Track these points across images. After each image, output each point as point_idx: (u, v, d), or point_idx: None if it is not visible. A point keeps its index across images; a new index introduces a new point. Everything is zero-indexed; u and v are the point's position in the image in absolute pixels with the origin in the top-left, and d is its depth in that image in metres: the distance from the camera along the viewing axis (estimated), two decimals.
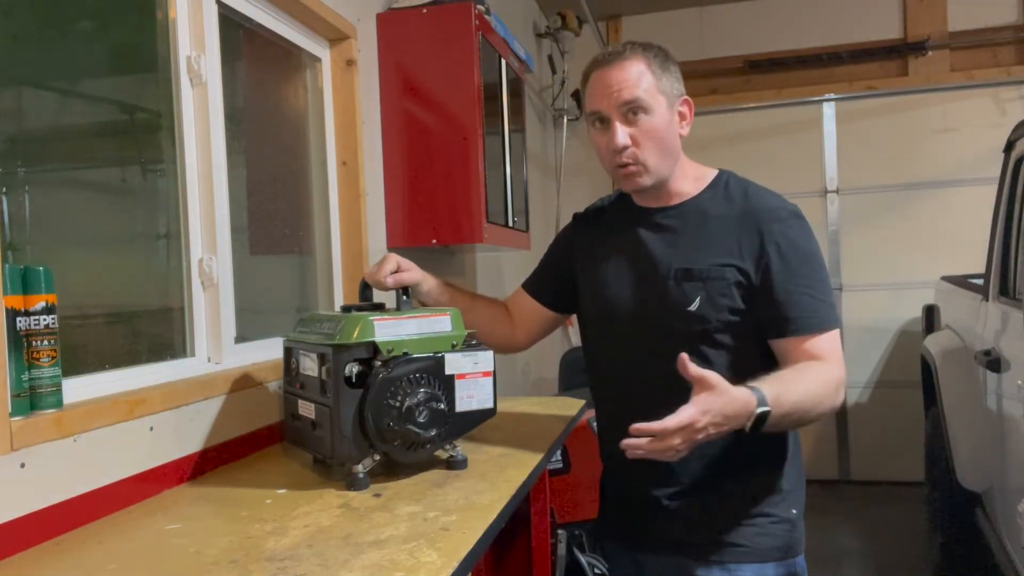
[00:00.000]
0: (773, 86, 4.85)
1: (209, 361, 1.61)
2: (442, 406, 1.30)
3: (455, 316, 1.40)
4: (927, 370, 3.49)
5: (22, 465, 1.07)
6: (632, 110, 1.36)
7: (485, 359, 1.39)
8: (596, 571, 2.39)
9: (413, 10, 2.32)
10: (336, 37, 2.15)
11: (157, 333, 1.59)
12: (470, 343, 1.39)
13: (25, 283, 1.11)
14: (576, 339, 1.69)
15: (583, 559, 2.39)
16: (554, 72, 4.61)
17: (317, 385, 1.34)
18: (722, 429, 1.17)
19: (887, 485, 4.64)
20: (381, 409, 1.26)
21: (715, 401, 1.14)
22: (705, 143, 4.71)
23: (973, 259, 3.82)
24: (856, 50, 4.73)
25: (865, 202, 4.77)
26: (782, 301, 1.34)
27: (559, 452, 2.54)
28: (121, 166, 1.60)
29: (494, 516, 1.12)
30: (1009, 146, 2.94)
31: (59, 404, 1.14)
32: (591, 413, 1.97)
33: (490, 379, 1.40)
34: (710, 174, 1.48)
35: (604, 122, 1.39)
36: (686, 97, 1.43)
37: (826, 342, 1.34)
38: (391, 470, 1.36)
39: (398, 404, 1.26)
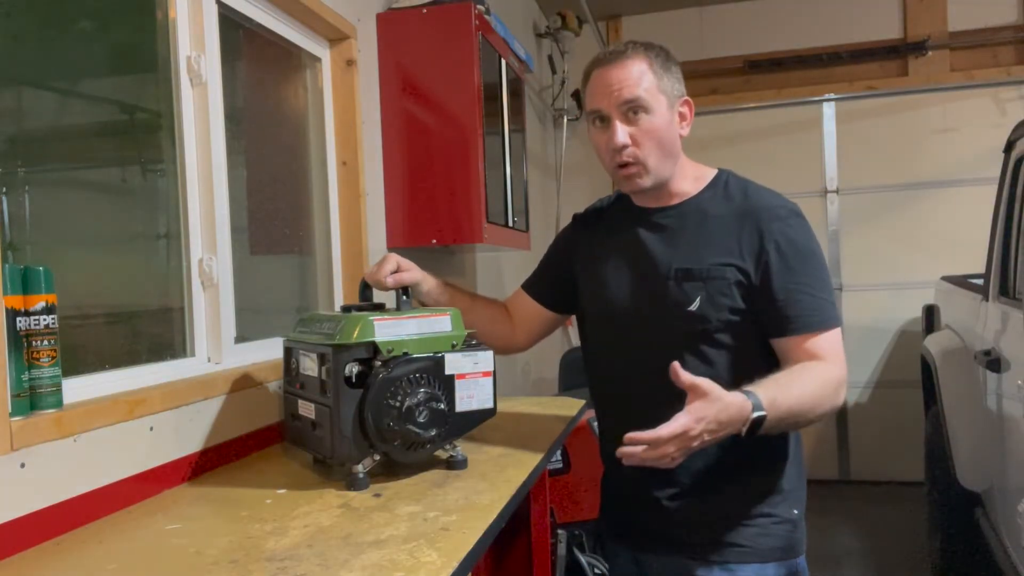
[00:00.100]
0: (773, 86, 4.85)
1: (209, 361, 1.61)
2: (442, 406, 1.30)
3: (455, 316, 1.40)
4: (927, 370, 3.49)
5: (22, 465, 1.07)
6: (632, 109, 1.36)
7: (485, 359, 1.39)
8: (596, 571, 2.39)
9: (413, 10, 2.32)
10: (336, 37, 2.16)
11: (157, 333, 1.59)
12: (470, 343, 1.39)
13: (25, 283, 1.11)
14: (576, 339, 1.69)
15: (583, 559, 2.39)
16: (554, 72, 4.61)
17: (317, 385, 1.34)
18: (717, 435, 1.17)
19: (887, 485, 4.64)
20: (381, 409, 1.26)
21: (709, 408, 1.15)
22: (705, 143, 4.71)
23: (973, 259, 3.82)
24: (856, 50, 4.73)
25: (865, 202, 4.77)
26: (782, 300, 1.34)
27: (559, 452, 2.54)
28: (121, 166, 1.60)
29: (494, 516, 1.12)
30: (1009, 146, 2.94)
31: (59, 404, 1.14)
32: (591, 413, 1.97)
33: (490, 379, 1.40)
34: (709, 174, 1.48)
35: (604, 121, 1.39)
36: (687, 98, 1.43)
37: (827, 341, 1.34)
38: (391, 470, 1.36)
39: (398, 404, 1.26)
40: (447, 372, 1.34)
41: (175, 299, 1.59)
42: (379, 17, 2.32)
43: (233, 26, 1.80)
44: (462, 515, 1.13)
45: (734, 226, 1.39)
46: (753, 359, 1.36)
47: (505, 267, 3.63)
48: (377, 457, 1.31)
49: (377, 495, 1.25)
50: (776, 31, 4.85)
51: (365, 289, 1.51)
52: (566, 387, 3.38)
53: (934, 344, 3.41)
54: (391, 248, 2.33)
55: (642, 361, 1.41)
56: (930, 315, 3.79)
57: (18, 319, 1.09)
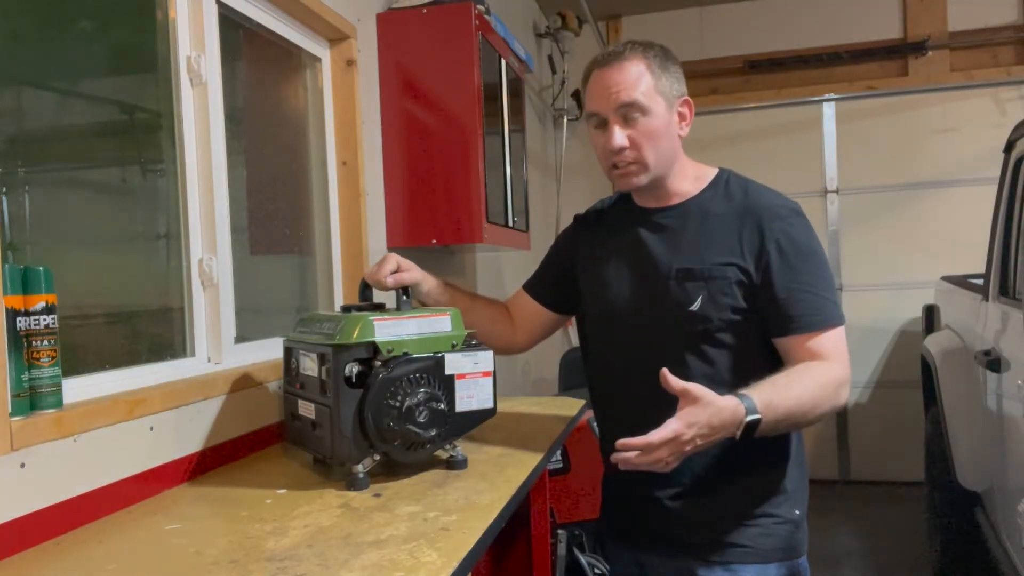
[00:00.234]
0: (773, 86, 4.85)
1: (209, 361, 1.61)
2: (442, 406, 1.30)
3: (455, 316, 1.40)
4: (927, 370, 3.49)
5: (22, 465, 1.07)
6: (629, 112, 1.36)
7: (485, 359, 1.39)
8: (596, 571, 2.39)
9: (413, 10, 2.32)
10: (336, 37, 2.15)
11: (157, 333, 1.59)
12: (470, 343, 1.39)
13: (25, 283, 1.11)
14: (576, 339, 1.69)
15: (583, 559, 2.39)
16: (554, 72, 4.61)
17: (317, 385, 1.34)
18: (710, 439, 1.17)
19: (887, 485, 4.64)
20: (381, 409, 1.26)
21: (700, 414, 1.15)
22: (705, 143, 4.71)
23: (973, 259, 3.82)
24: (856, 50, 4.73)
25: (865, 202, 4.77)
26: (783, 299, 1.34)
27: (559, 452, 2.54)
28: (121, 166, 1.60)
29: (494, 516, 1.12)
30: (1009, 146, 2.94)
31: (59, 404, 1.14)
32: (591, 413, 1.97)
33: (490, 379, 1.40)
34: (710, 173, 1.48)
35: (602, 123, 1.39)
36: (687, 98, 1.43)
37: (829, 340, 1.34)
38: (391, 470, 1.36)
39: (398, 404, 1.26)
40: (447, 372, 1.34)
41: (175, 299, 1.59)
42: (379, 17, 2.32)
43: (233, 26, 1.80)
44: (462, 515, 1.13)
45: (735, 225, 1.39)
46: (755, 358, 1.36)
47: (505, 267, 3.63)
48: (377, 457, 1.31)
49: (377, 495, 1.25)
50: (776, 31, 4.85)
51: (365, 289, 1.51)
52: (566, 387, 3.38)
53: (934, 344, 3.41)
54: (391, 248, 2.33)
55: (643, 361, 1.40)
56: (930, 315, 3.79)
57: (18, 319, 1.09)
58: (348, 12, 2.14)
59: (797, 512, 1.43)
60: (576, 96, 4.58)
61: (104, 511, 1.20)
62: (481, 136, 2.31)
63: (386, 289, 1.45)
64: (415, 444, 1.29)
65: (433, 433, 1.29)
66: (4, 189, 1.22)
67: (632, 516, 1.51)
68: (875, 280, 4.74)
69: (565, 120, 4.70)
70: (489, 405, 1.40)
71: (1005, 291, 2.70)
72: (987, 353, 2.58)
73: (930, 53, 4.61)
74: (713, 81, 4.93)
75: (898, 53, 4.69)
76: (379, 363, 1.28)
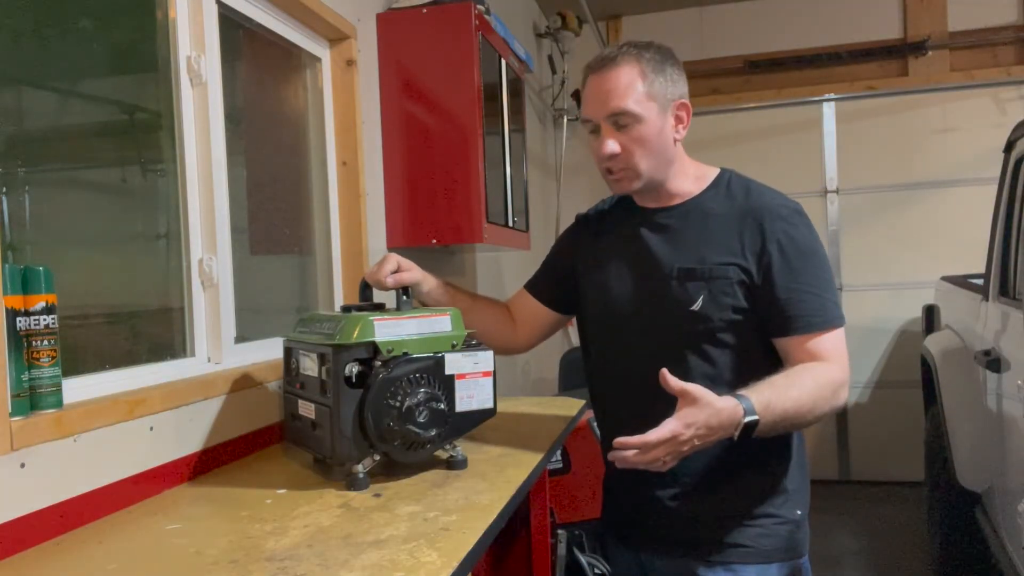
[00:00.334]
0: (773, 86, 4.85)
1: (209, 361, 1.61)
2: (442, 406, 1.30)
3: (455, 316, 1.40)
4: (927, 370, 3.49)
5: (22, 465, 1.07)
6: (620, 119, 1.36)
7: (485, 359, 1.39)
8: (596, 571, 2.39)
9: (413, 10, 2.32)
10: (336, 37, 2.15)
11: (157, 333, 1.59)
12: (470, 343, 1.39)
13: (25, 283, 1.11)
14: (576, 339, 1.69)
15: (583, 559, 2.39)
16: (554, 72, 4.61)
17: (317, 385, 1.34)
18: (708, 440, 1.18)
19: (887, 485, 4.64)
20: (381, 409, 1.26)
21: (698, 414, 1.15)
22: (705, 143, 4.71)
23: (973, 259, 3.82)
24: (856, 50, 4.73)
25: (865, 202, 4.77)
26: (784, 299, 1.34)
27: (559, 452, 2.54)
28: (121, 166, 1.60)
29: (494, 516, 1.12)
30: (1009, 146, 2.94)
31: (59, 404, 1.14)
32: (591, 413, 1.97)
33: (490, 379, 1.40)
34: (712, 173, 1.48)
35: (596, 128, 1.40)
36: (684, 100, 1.41)
37: (829, 341, 1.34)
38: (391, 470, 1.36)
39: (398, 404, 1.26)
40: (447, 372, 1.34)
41: (175, 299, 1.59)
42: (379, 17, 2.32)
43: (233, 26, 1.80)
44: (462, 515, 1.13)
45: (736, 225, 1.39)
46: (756, 358, 1.36)
47: (505, 267, 3.63)
48: (377, 457, 1.31)
49: (377, 495, 1.25)
50: (776, 31, 4.85)
51: (365, 289, 1.50)
52: (566, 387, 3.38)
53: (934, 344, 3.41)
54: (391, 248, 2.33)
55: (643, 361, 1.40)
56: (930, 315, 3.79)
57: (18, 319, 1.09)
58: (348, 12, 2.14)
59: (798, 512, 1.43)
60: (576, 96, 4.58)
61: (104, 511, 1.20)
62: (481, 136, 2.31)
63: (386, 289, 1.45)
64: (415, 444, 1.29)
65: (433, 433, 1.29)
66: (4, 189, 1.22)
67: (633, 516, 1.51)
68: (875, 280, 4.74)
69: (565, 120, 4.70)
70: (489, 405, 1.40)
71: (1005, 291, 2.70)
72: (987, 353, 2.58)
73: (930, 53, 4.61)
74: (713, 81, 4.93)
75: (898, 53, 4.69)
76: (379, 363, 1.28)
